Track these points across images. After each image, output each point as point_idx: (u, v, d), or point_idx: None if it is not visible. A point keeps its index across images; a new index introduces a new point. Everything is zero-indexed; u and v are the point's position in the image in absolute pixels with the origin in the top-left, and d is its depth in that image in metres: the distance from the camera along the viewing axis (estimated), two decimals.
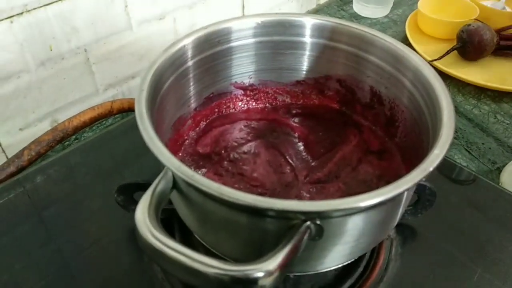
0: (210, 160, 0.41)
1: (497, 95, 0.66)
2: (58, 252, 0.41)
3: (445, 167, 0.50)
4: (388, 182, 0.27)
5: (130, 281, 0.40)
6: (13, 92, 0.53)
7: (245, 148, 0.43)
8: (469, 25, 0.70)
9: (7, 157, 0.56)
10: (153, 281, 0.39)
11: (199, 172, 0.40)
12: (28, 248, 0.41)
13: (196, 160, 0.41)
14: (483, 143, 0.58)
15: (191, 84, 0.40)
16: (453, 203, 0.45)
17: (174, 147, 0.40)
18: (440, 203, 0.41)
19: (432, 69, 0.34)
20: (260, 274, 0.23)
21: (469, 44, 0.69)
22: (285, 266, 0.24)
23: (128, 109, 0.57)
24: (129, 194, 0.40)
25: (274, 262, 0.24)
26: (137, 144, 0.51)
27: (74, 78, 0.58)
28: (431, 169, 0.26)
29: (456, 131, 0.59)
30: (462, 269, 0.40)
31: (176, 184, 0.29)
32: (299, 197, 0.38)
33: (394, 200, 0.27)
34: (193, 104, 0.42)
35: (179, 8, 0.65)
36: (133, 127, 0.54)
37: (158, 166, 0.32)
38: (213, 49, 0.40)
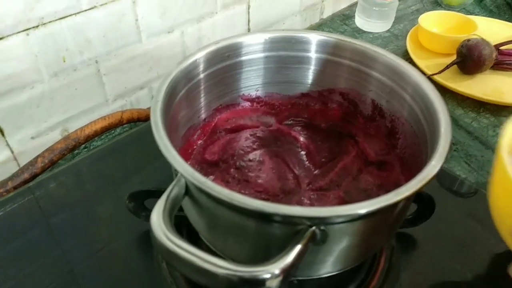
0: (218, 167, 0.43)
1: (496, 109, 0.67)
2: (67, 257, 0.42)
3: (447, 180, 0.51)
4: (387, 191, 0.28)
5: (139, 286, 0.41)
6: (26, 101, 0.54)
7: (251, 156, 0.45)
8: (468, 40, 0.71)
9: (19, 165, 0.58)
10: (162, 285, 0.40)
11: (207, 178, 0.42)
12: (37, 252, 0.42)
13: (205, 168, 0.43)
14: (482, 156, 0.59)
15: (202, 95, 0.42)
16: (454, 214, 0.47)
17: (184, 156, 0.42)
18: (441, 215, 0.42)
19: (431, 84, 0.36)
20: (268, 276, 0.25)
21: (469, 59, 0.70)
22: (291, 269, 0.26)
23: (137, 119, 0.59)
24: (140, 201, 0.41)
25: (281, 264, 0.25)
26: (144, 153, 0.53)
27: (85, 88, 0.60)
28: (428, 179, 0.28)
29: (456, 144, 0.60)
30: (460, 280, 0.41)
31: (188, 190, 0.30)
32: (300, 203, 0.39)
33: (394, 208, 0.29)
34: (203, 114, 0.44)
35: (187, 22, 0.67)
36: (141, 137, 0.56)
37: (165, 174, 0.34)
38: (223, 63, 0.42)
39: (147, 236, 0.43)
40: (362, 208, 0.26)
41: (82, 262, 0.42)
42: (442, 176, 0.51)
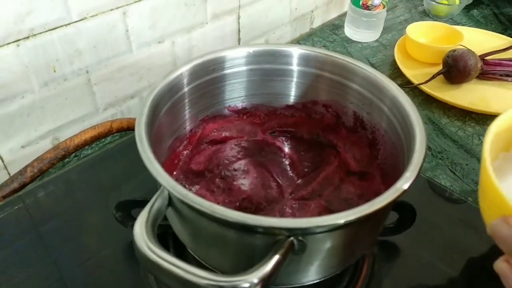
0: (203, 177, 0.44)
1: (481, 118, 0.68)
2: (56, 266, 0.43)
3: (431, 187, 0.52)
4: (368, 200, 0.29)
5: None
6: (17, 111, 0.55)
7: (236, 165, 0.45)
8: (454, 50, 0.73)
9: (9, 174, 0.58)
10: None
11: (193, 188, 0.43)
12: (27, 261, 0.43)
13: (191, 178, 0.43)
14: (467, 164, 0.60)
15: (187, 108, 0.43)
16: (436, 222, 0.47)
17: (170, 167, 0.42)
18: (424, 223, 0.43)
19: (408, 97, 0.37)
20: (247, 285, 0.26)
21: (454, 69, 0.72)
22: (270, 278, 0.27)
23: (127, 128, 0.59)
24: (127, 211, 0.42)
25: (259, 274, 0.26)
26: (134, 162, 0.53)
27: (75, 98, 0.60)
28: (401, 191, 0.29)
29: (441, 152, 0.62)
30: (443, 286, 0.42)
31: (171, 202, 0.31)
32: (281, 212, 0.40)
33: (370, 218, 0.30)
34: (188, 126, 0.45)
35: (177, 32, 0.68)
36: (131, 146, 0.56)
37: (154, 184, 0.34)
38: (208, 76, 0.43)
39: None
40: (337, 219, 0.27)
41: (71, 271, 0.42)
42: (425, 183, 0.52)
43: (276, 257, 0.27)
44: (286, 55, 0.44)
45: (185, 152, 0.45)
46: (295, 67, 0.45)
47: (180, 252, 0.39)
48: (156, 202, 0.30)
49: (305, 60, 0.44)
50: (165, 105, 0.39)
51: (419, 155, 0.31)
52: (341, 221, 0.27)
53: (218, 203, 0.28)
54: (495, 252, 0.45)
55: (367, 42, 0.87)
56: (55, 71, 0.56)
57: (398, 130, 0.37)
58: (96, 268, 0.43)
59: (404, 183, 0.29)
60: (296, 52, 0.44)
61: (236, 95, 0.46)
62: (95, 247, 0.45)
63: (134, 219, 0.42)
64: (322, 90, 0.45)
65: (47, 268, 0.42)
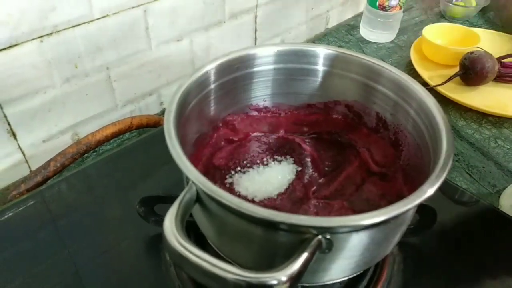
0: (225, 173, 0.44)
1: (498, 121, 0.68)
2: (74, 259, 0.43)
3: (449, 189, 0.52)
4: (390, 201, 0.29)
5: None
6: (39, 106, 0.56)
7: (257, 162, 0.46)
8: (471, 52, 0.73)
9: (30, 168, 0.59)
10: None
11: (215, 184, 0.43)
12: (45, 253, 0.43)
13: (212, 173, 0.44)
14: (483, 167, 0.60)
15: (212, 105, 0.43)
16: (456, 224, 0.48)
17: (194, 162, 0.43)
18: (443, 224, 0.43)
19: (435, 100, 0.37)
20: (275, 282, 0.26)
21: (471, 71, 0.72)
22: (298, 276, 0.27)
23: (146, 125, 0.60)
24: (150, 206, 0.43)
25: (288, 272, 0.26)
26: (153, 158, 0.54)
27: (95, 94, 0.61)
28: (430, 192, 0.29)
29: (457, 155, 0.62)
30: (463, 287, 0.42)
31: (199, 197, 0.32)
32: (304, 211, 0.40)
33: (397, 219, 0.30)
34: (212, 123, 0.45)
35: (195, 30, 0.68)
36: (150, 142, 0.57)
37: (173, 180, 0.35)
38: (233, 74, 0.43)
39: (154, 240, 0.45)
40: (368, 218, 0.27)
41: (88, 264, 0.43)
42: (444, 186, 0.52)
43: (304, 255, 0.27)
44: (312, 55, 0.44)
45: (208, 148, 0.45)
46: (320, 67, 0.45)
47: (202, 247, 0.40)
48: (184, 198, 0.30)
49: (331, 60, 0.44)
50: (191, 102, 0.39)
51: (447, 158, 0.31)
52: (373, 221, 0.27)
53: None
54: None
55: (382, 43, 0.88)
56: (76, 67, 0.57)
57: (424, 132, 0.37)
58: (115, 262, 0.43)
59: (432, 185, 0.29)
60: (321, 52, 0.44)
61: (259, 94, 0.47)
62: (113, 241, 0.45)
63: (156, 214, 0.43)
64: (346, 90, 0.45)
65: (65, 261, 0.43)
